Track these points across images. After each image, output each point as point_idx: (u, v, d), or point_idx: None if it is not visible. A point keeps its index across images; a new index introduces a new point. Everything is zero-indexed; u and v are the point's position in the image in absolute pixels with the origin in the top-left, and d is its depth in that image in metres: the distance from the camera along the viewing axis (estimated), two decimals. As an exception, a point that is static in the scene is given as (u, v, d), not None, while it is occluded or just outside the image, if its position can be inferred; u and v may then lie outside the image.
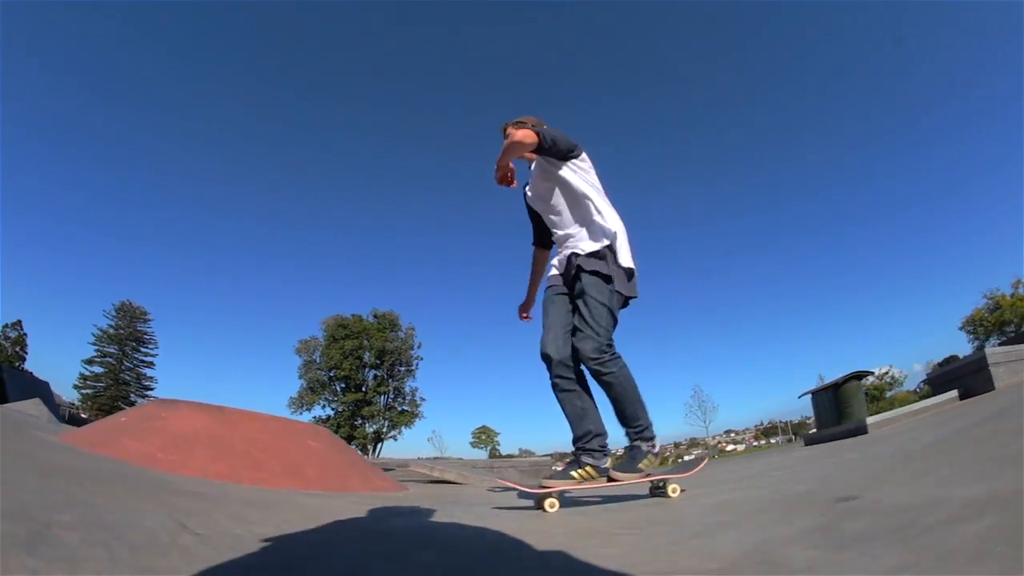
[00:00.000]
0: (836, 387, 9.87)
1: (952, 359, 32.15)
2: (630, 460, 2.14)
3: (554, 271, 2.33)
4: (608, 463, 2.14)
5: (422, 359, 35.73)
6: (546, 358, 2.18)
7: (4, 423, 3.36)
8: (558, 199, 2.25)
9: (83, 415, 28.27)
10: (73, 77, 66.79)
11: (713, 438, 52.95)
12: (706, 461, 2.61)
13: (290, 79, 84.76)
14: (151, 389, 43.67)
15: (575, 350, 2.12)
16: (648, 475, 2.15)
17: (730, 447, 50.29)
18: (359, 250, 73.62)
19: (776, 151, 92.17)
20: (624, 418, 2.17)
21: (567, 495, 2.57)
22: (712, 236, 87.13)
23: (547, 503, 2.00)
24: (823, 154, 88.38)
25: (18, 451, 1.95)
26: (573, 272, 2.16)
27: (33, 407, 9.90)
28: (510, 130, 2.31)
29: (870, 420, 5.85)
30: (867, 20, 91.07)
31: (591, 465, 2.10)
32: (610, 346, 2.09)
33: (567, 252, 2.23)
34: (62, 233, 62.59)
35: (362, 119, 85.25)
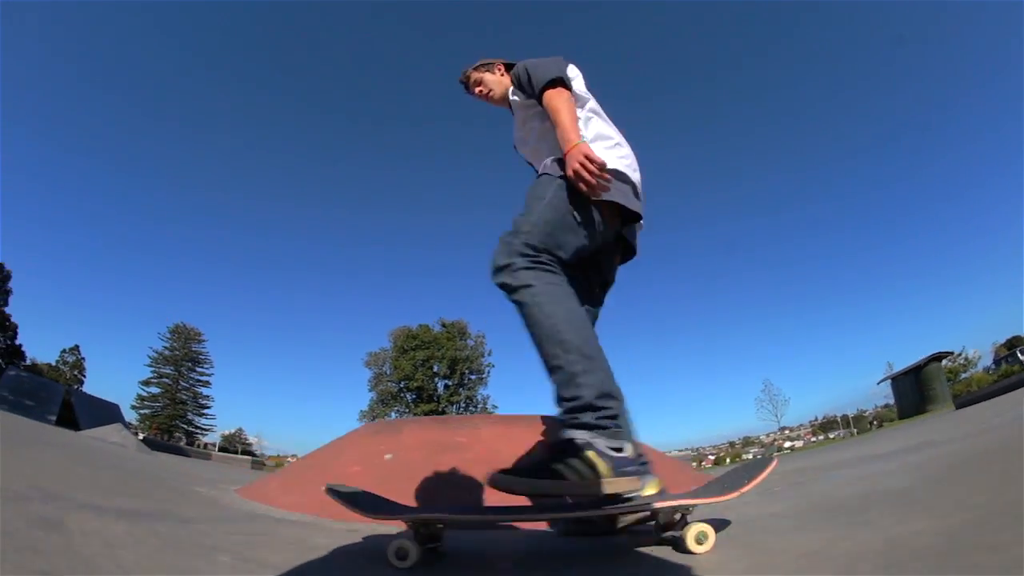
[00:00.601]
0: (918, 369, 9.15)
1: (1017, 339, 32.29)
2: (543, 461, 1.19)
3: None
4: None
5: (494, 366, 34.71)
6: None
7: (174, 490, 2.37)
8: (538, 129, 1.73)
9: (140, 435, 29.75)
10: (122, 94, 71.50)
11: (768, 435, 50.59)
12: (775, 463, 1.47)
13: (350, 96, 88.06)
14: (208, 407, 45.72)
15: None
16: (589, 492, 1.13)
17: (787, 444, 47.85)
18: (423, 259, 75.72)
19: (787, 151, 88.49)
20: (552, 379, 1.30)
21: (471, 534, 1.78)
22: (716, 237, 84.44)
23: (394, 550, 1.16)
24: (832, 155, 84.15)
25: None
26: None
27: (115, 433, 9.48)
28: (474, 75, 1.94)
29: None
30: (867, 21, 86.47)
31: None
32: (534, 251, 1.36)
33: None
34: (117, 255, 66.84)
35: (422, 131, 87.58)
